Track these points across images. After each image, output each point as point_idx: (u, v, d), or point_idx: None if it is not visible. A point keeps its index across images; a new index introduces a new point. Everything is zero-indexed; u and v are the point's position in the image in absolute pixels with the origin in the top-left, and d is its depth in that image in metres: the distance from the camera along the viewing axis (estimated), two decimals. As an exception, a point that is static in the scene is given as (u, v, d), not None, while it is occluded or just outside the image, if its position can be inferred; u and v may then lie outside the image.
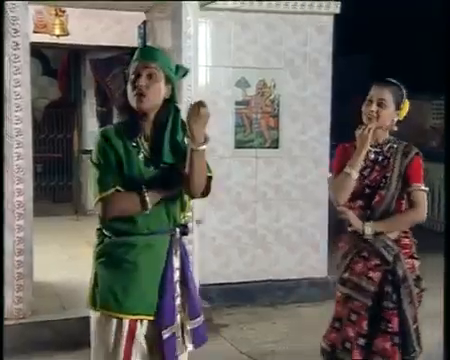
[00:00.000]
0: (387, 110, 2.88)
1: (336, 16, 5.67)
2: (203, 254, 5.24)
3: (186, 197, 2.48)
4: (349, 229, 2.91)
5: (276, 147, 5.65)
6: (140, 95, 2.33)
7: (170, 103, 2.43)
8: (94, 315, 2.42)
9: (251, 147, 5.59)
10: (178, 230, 2.45)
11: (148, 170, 2.38)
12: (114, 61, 8.47)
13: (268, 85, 5.58)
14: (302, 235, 5.78)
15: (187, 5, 4.80)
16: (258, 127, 5.61)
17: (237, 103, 5.53)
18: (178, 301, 2.43)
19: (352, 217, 2.88)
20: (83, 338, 4.14)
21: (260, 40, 5.52)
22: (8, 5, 4.30)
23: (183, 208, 2.49)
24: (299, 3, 5.53)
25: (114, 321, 2.36)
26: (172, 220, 2.44)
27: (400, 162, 2.90)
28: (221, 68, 5.46)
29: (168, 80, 2.41)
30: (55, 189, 10.15)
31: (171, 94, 2.43)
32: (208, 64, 5.42)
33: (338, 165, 2.92)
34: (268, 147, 5.64)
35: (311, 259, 5.75)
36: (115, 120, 9.11)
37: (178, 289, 2.45)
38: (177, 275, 2.45)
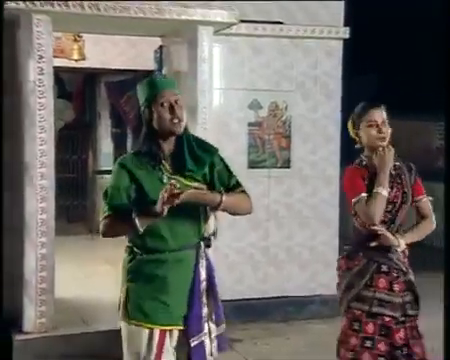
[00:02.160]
0: (389, 129, 3.07)
1: (345, 41, 5.83)
2: (217, 270, 5.34)
3: (208, 211, 2.65)
4: (371, 244, 2.97)
5: (288, 167, 5.78)
6: (180, 121, 2.57)
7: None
8: (126, 327, 2.57)
9: (264, 167, 5.72)
10: (202, 243, 2.62)
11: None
12: (128, 84, 8.63)
13: (280, 107, 5.73)
14: (313, 253, 5.88)
15: (203, 30, 4.98)
16: (270, 147, 5.74)
17: (250, 124, 5.68)
18: (205, 310, 2.59)
19: (387, 233, 2.98)
20: (103, 351, 4.32)
21: (272, 64, 5.68)
22: (34, 33, 4.49)
23: (206, 220, 2.66)
24: (309, 28, 5.69)
25: (145, 332, 2.52)
26: (198, 234, 2.61)
27: (409, 177, 3.10)
28: (235, 91, 5.61)
29: None
30: (70, 209, 10.32)
31: None
32: (222, 87, 5.58)
33: (358, 186, 3.00)
34: (280, 167, 5.77)
35: (322, 276, 5.84)
36: (129, 141, 9.29)
37: (204, 299, 2.61)
38: (204, 285, 2.61)
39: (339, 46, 5.82)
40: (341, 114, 5.81)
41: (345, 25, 5.81)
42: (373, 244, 2.97)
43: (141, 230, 2.47)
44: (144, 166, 2.57)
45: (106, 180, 9.68)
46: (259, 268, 5.76)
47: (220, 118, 5.53)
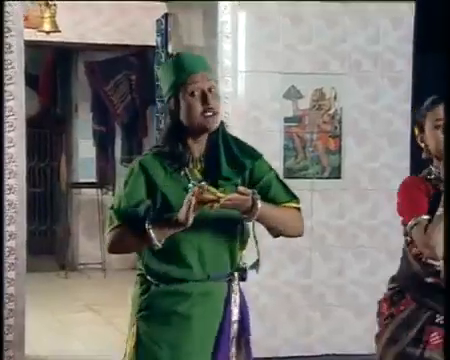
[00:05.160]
0: None
1: (418, 3, 5.86)
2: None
3: (246, 233, 2.84)
4: (427, 280, 3.06)
5: (337, 177, 5.92)
6: (215, 114, 2.74)
7: None
8: None
9: (305, 177, 5.85)
10: (236, 275, 2.80)
11: None
12: (117, 64, 8.84)
13: (327, 96, 5.87)
14: (373, 294, 5.94)
15: (225, -6, 5.16)
16: (314, 151, 5.87)
17: (286, 120, 5.82)
18: None
19: None
20: None
21: (316, 37, 5.82)
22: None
23: (242, 246, 2.85)
24: (368, -13, 5.82)
25: None
26: (232, 262, 2.79)
27: None
28: (266, 74, 5.75)
29: None
30: (34, 236, 10.50)
31: None
32: (249, 69, 5.72)
33: (419, 205, 3.05)
34: (327, 177, 5.90)
35: (386, 326, 5.98)
36: (118, 143, 9.51)
37: (234, 348, 2.78)
38: (235, 329, 2.78)
39: (409, 11, 5.88)
40: (412, 105, 5.91)
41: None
42: (429, 280, 3.05)
43: (158, 244, 2.63)
44: (167, 170, 2.74)
45: (85, 196, 9.88)
46: (299, 315, 5.88)
47: (246, 111, 5.70)
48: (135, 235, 2.69)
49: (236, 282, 2.81)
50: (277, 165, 5.76)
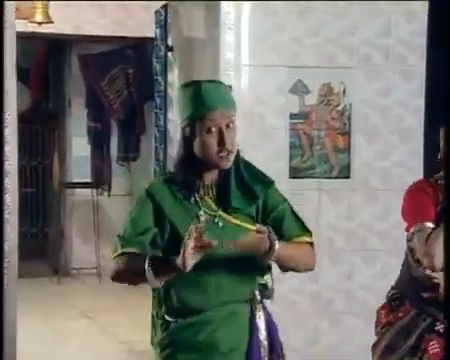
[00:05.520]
0: None
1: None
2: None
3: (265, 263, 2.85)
4: (424, 295, 3.12)
5: (346, 177, 5.91)
6: (229, 153, 2.77)
7: None
8: None
9: (312, 176, 5.85)
10: (257, 293, 2.84)
11: (214, 228, 2.75)
12: (113, 58, 8.81)
13: (335, 91, 5.86)
14: (384, 300, 6.00)
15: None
16: (321, 149, 5.87)
17: (292, 116, 5.80)
18: None
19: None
20: None
21: (324, 29, 5.81)
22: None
23: (264, 272, 2.89)
24: (379, -22, 5.80)
25: None
26: (250, 286, 2.84)
27: None
28: (271, 68, 5.74)
29: None
30: (25, 239, 10.48)
31: None
32: (252, 63, 5.70)
33: (423, 210, 3.09)
34: (335, 177, 5.90)
35: (398, 334, 5.97)
36: (114, 140, 9.49)
37: None
38: (266, 346, 2.84)
39: (423, 9, 5.89)
40: (425, 100, 5.91)
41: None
42: (425, 295, 3.09)
43: (159, 285, 2.70)
44: (177, 197, 2.80)
45: (79, 197, 9.84)
46: (306, 323, 5.87)
47: (250, 107, 5.67)
48: (137, 271, 2.72)
49: (258, 299, 2.86)
50: (282, 164, 5.80)
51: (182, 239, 2.63)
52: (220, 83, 3.01)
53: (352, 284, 5.96)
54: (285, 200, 2.94)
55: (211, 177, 2.86)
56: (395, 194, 5.91)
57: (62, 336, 6.70)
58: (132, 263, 2.74)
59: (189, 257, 2.54)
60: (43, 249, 10.24)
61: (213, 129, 2.77)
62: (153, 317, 5.87)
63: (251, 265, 2.80)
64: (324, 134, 5.89)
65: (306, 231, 2.94)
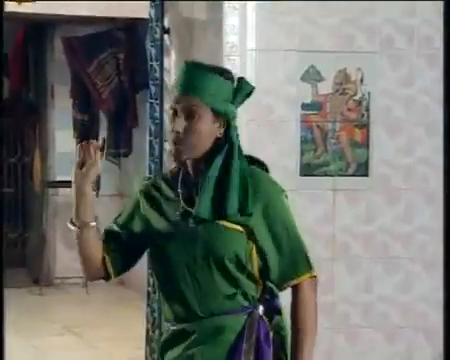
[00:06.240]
0: None
1: None
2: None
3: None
4: None
5: (365, 175, 5.86)
6: (175, 144, 2.70)
7: (226, 143, 2.77)
8: None
9: (326, 174, 5.81)
10: (261, 308, 2.76)
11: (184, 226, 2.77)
12: (101, 41, 8.76)
13: (352, 78, 5.80)
14: (408, 314, 5.90)
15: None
16: (336, 143, 5.83)
17: (304, 107, 5.75)
18: None
19: None
20: None
21: (341, 8, 5.74)
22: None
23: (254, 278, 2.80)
24: None
25: None
26: (244, 294, 2.75)
27: None
28: (280, 53, 5.69)
29: (217, 114, 2.73)
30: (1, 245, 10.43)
31: (225, 129, 2.77)
32: (260, 47, 5.64)
33: None
34: (352, 174, 5.85)
35: (423, 353, 5.87)
36: (103, 134, 9.42)
37: None
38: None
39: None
40: (445, 87, 5.84)
41: None
42: None
43: (72, 228, 2.92)
44: (164, 194, 2.86)
45: (63, 198, 9.76)
46: (320, 337, 5.70)
47: (256, 97, 5.53)
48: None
49: (257, 316, 2.76)
50: (292, 160, 5.80)
51: (156, 240, 2.83)
52: (207, 68, 2.82)
53: (371, 296, 5.90)
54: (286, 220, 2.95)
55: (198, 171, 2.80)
56: (419, 194, 5.97)
57: (44, 354, 6.60)
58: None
59: (78, 176, 2.80)
60: (23, 257, 10.22)
61: (179, 113, 2.73)
62: (148, 331, 5.78)
63: (234, 269, 2.73)
64: (339, 127, 5.84)
65: (309, 265, 2.90)
